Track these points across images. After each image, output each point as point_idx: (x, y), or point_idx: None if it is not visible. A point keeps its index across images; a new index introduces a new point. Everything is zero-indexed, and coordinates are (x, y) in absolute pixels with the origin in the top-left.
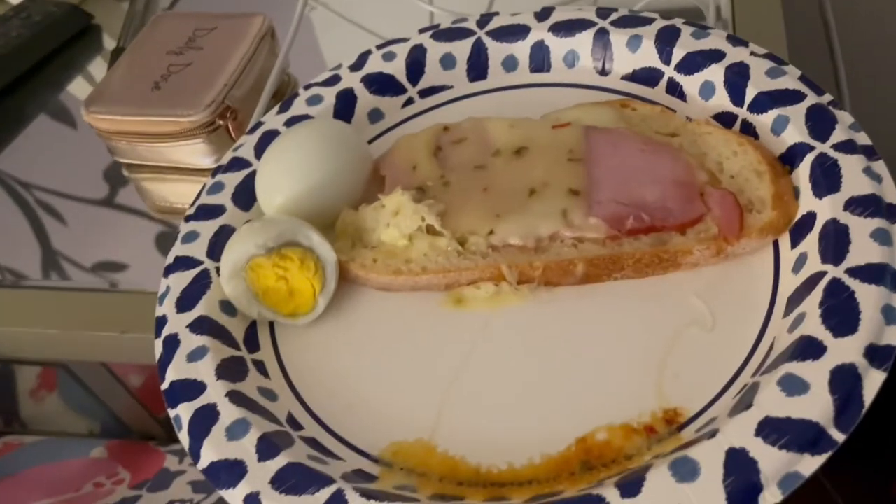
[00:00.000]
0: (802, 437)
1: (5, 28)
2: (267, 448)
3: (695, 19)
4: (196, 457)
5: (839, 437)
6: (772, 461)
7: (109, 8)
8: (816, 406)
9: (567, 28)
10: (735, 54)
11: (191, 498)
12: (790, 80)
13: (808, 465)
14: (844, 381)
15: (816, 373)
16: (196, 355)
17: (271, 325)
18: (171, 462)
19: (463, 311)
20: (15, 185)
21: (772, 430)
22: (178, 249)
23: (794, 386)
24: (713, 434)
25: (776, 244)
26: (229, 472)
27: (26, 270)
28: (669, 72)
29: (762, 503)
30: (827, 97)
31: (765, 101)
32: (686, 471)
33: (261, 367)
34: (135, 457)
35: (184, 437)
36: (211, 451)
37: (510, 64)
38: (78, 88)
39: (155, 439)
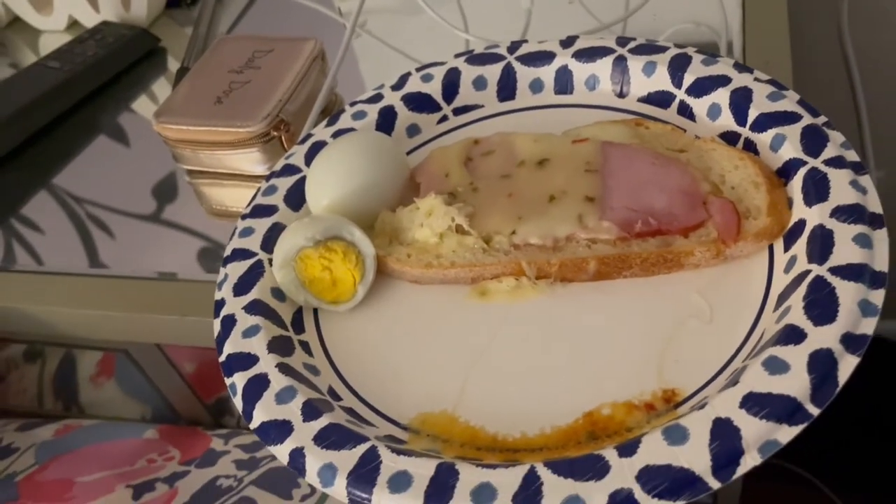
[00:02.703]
0: (781, 409)
1: (81, 48)
2: (310, 411)
3: (709, 50)
4: (249, 417)
5: (814, 410)
6: (753, 429)
7: (175, 31)
8: (795, 383)
9: (589, 55)
10: (740, 80)
11: (234, 474)
12: (789, 102)
13: (786, 434)
14: (822, 364)
15: (797, 356)
16: (250, 332)
17: (315, 310)
18: (217, 443)
19: (486, 303)
20: (68, 199)
21: (754, 403)
22: (236, 243)
23: (776, 366)
24: (702, 406)
25: (771, 248)
26: (278, 430)
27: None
28: (681, 95)
29: (743, 465)
30: (822, 119)
31: (765, 122)
32: (677, 436)
33: (305, 347)
34: (184, 438)
35: (238, 401)
36: (262, 413)
37: (537, 86)
38: (142, 106)
39: (202, 425)
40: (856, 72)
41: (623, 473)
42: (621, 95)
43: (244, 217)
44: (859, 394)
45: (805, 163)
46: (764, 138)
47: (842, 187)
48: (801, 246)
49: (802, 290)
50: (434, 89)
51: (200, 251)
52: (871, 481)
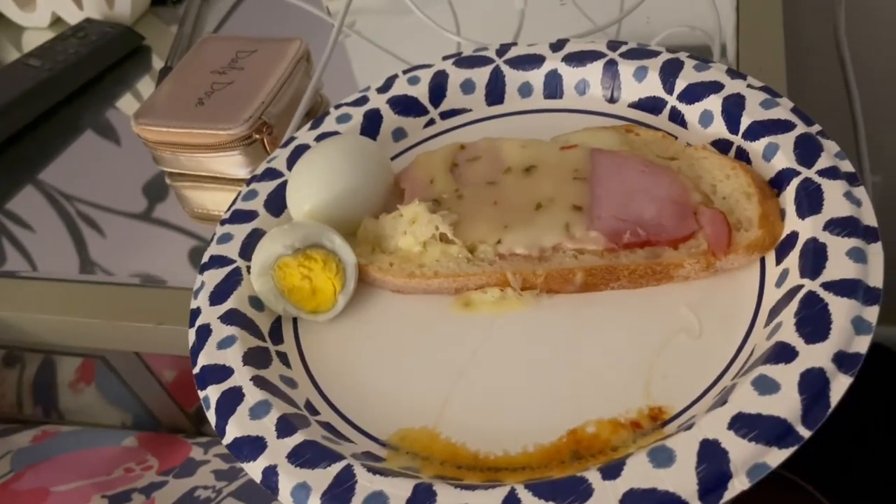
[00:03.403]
0: (771, 431)
1: (63, 46)
2: (285, 427)
3: (702, 55)
4: (222, 433)
5: (805, 433)
6: (742, 452)
7: (160, 30)
8: (785, 404)
9: (579, 59)
10: (733, 86)
11: (213, 485)
12: (782, 110)
13: (776, 457)
14: (813, 384)
15: (787, 375)
16: (225, 343)
17: (294, 320)
18: (197, 452)
19: (470, 314)
20: (58, 196)
21: (743, 424)
22: (214, 249)
23: (766, 386)
24: (689, 426)
25: (763, 261)
26: (251, 446)
27: (65, 277)
28: (672, 101)
29: (731, 489)
30: (816, 127)
31: (758, 130)
32: (663, 458)
33: (283, 358)
34: (163, 447)
35: (211, 416)
36: (235, 428)
37: (525, 90)
38: (126, 104)
39: (183, 432)
40: (852, 75)
41: (606, 497)
42: (612, 101)
43: (223, 222)
44: (854, 400)
45: (798, 173)
46: (756, 147)
47: (836, 199)
48: (793, 259)
49: (794, 305)
50: (421, 92)
51: (191, 251)
52: (864, 488)
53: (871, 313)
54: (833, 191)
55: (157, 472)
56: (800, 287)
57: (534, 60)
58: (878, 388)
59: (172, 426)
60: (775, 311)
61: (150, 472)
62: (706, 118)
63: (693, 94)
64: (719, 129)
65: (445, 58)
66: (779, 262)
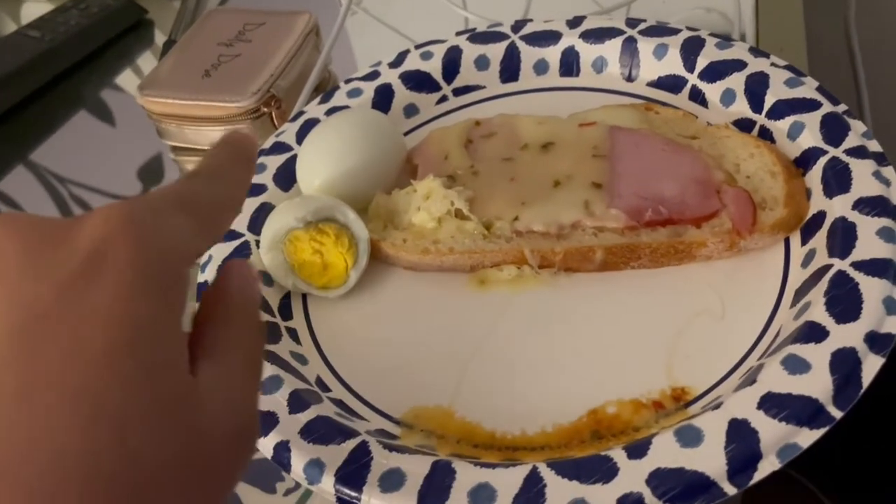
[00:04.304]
0: (802, 411)
1: (64, 17)
2: (297, 402)
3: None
4: None
5: (837, 413)
6: (772, 432)
7: (162, 3)
8: (817, 384)
9: (597, 35)
10: (756, 64)
11: None
12: (808, 89)
13: (807, 437)
14: (844, 363)
15: (818, 354)
16: None
17: (304, 296)
18: None
19: (485, 292)
20: (51, 178)
21: (773, 404)
22: None
23: (796, 365)
24: (717, 406)
25: (787, 242)
26: (262, 422)
27: None
28: (693, 79)
29: (761, 470)
30: (842, 107)
31: (782, 109)
32: (690, 437)
33: (293, 334)
34: None
35: None
36: None
37: (541, 67)
38: (126, 80)
39: None
40: (860, 65)
41: (632, 476)
42: (630, 79)
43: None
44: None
45: (825, 152)
46: (781, 126)
47: (864, 178)
48: (820, 239)
49: (823, 285)
50: (434, 68)
51: None
52: (862, 482)
53: None
54: (862, 170)
55: None
56: (829, 267)
57: (550, 37)
58: (878, 387)
59: None
60: (802, 291)
61: None
62: (728, 97)
63: (715, 72)
64: (742, 107)
65: (459, 33)
66: (804, 242)
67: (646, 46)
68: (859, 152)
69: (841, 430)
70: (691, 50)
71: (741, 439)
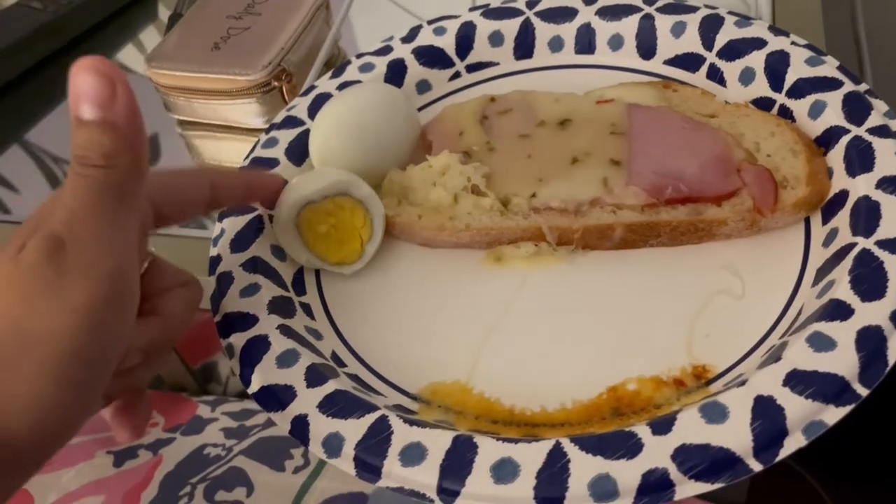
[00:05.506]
0: (828, 388)
1: None
2: (315, 376)
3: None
4: (247, 382)
5: (863, 391)
6: (798, 409)
7: None
8: (842, 361)
9: (614, 12)
10: (776, 43)
11: (223, 443)
12: (829, 68)
13: (832, 415)
14: (870, 341)
15: (844, 332)
16: (249, 291)
17: (317, 272)
18: (204, 410)
19: (502, 269)
20: (45, 158)
21: (798, 381)
22: None
23: (821, 343)
24: (742, 383)
25: (807, 221)
26: (279, 395)
27: None
28: (711, 57)
29: (787, 447)
30: (864, 86)
31: (803, 87)
32: (715, 413)
33: (307, 309)
34: (168, 404)
35: (235, 364)
36: (261, 377)
37: (556, 44)
38: (129, 56)
39: (186, 391)
40: (866, 54)
41: (657, 452)
42: (646, 57)
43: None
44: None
45: (848, 131)
46: (802, 105)
47: (888, 157)
48: (843, 218)
49: (847, 263)
50: (447, 43)
51: None
52: (859, 473)
53: None
54: (885, 149)
55: (164, 428)
56: (853, 245)
57: (566, 13)
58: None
59: (176, 384)
60: (824, 269)
61: (157, 429)
62: (747, 75)
63: (734, 50)
64: (761, 86)
65: (472, 9)
66: (825, 221)
67: (664, 24)
68: (882, 131)
69: (840, 421)
70: (710, 28)
71: (767, 416)
